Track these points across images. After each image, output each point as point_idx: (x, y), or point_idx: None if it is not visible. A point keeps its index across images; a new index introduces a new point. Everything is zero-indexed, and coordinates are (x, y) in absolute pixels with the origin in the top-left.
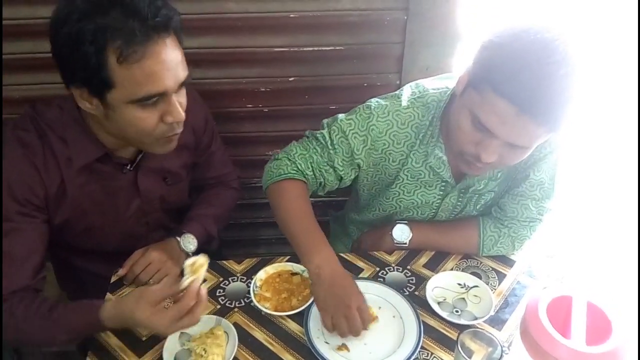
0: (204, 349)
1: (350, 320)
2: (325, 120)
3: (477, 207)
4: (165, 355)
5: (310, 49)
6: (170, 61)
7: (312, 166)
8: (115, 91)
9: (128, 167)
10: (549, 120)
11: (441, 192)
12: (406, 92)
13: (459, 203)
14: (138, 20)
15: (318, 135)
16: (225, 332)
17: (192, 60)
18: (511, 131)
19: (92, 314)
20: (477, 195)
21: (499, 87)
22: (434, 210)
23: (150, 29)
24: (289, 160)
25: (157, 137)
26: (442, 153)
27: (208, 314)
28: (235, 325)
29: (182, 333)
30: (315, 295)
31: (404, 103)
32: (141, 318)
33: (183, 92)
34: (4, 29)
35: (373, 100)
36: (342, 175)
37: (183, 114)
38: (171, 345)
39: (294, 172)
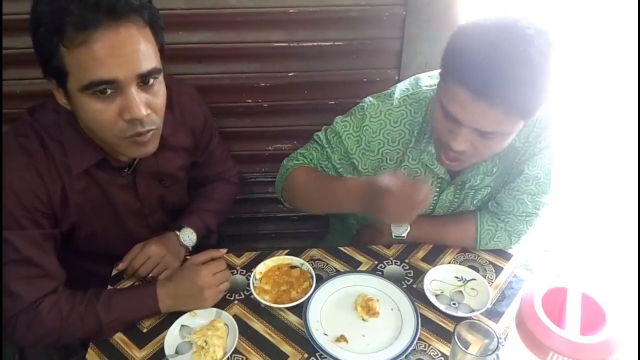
0: (205, 341)
1: (411, 205)
2: (324, 127)
3: (474, 203)
4: (166, 349)
5: (310, 44)
6: (122, 48)
7: (313, 163)
8: (69, 79)
9: (126, 171)
10: (505, 102)
11: (437, 189)
12: (399, 90)
13: (456, 199)
14: (91, 3)
15: (315, 137)
16: (225, 324)
17: (192, 55)
18: (472, 117)
19: (149, 295)
20: (473, 191)
21: (456, 74)
22: (430, 207)
23: (103, 12)
24: (292, 160)
25: (119, 135)
26: (435, 149)
27: None
28: (235, 317)
29: (182, 326)
30: (382, 213)
31: (396, 102)
32: (205, 281)
33: (154, 90)
34: (6, 23)
35: (367, 100)
36: (341, 173)
37: (143, 111)
38: (172, 338)
39: (299, 164)
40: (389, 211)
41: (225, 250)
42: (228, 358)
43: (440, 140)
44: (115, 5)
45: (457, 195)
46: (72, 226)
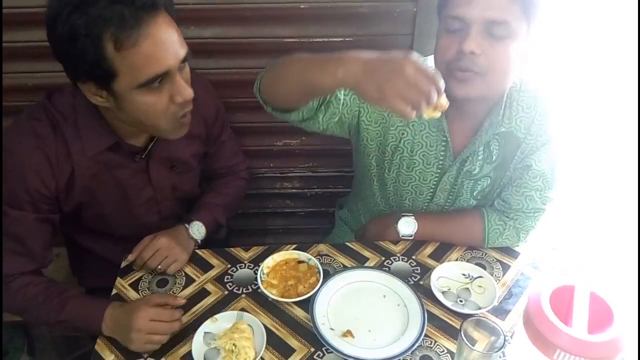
0: (234, 344)
1: (411, 84)
2: None
3: (474, 194)
4: (195, 357)
5: (320, 40)
6: (166, 40)
7: None
8: (120, 79)
9: (139, 156)
10: None
11: (439, 170)
12: None
13: (456, 184)
14: (125, 3)
15: None
16: (249, 325)
17: (203, 50)
18: (479, 5)
19: (98, 311)
20: (473, 181)
21: None
22: (431, 191)
23: (139, 10)
24: None
25: (170, 119)
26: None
27: (216, 299)
28: (243, 310)
29: (205, 333)
30: (364, 92)
31: None
32: (138, 322)
33: (186, 69)
34: (16, 17)
35: None
36: (343, 100)
37: (191, 91)
38: (198, 347)
39: None
40: (392, 89)
41: (183, 301)
42: (262, 358)
43: (447, 61)
44: (154, 1)
45: (457, 179)
46: (78, 206)
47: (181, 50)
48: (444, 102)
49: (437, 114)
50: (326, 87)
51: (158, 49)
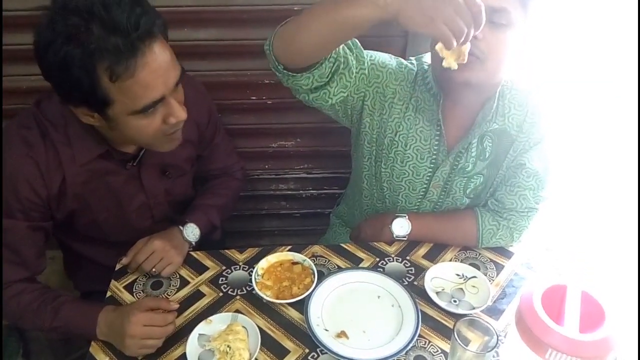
0: (228, 346)
1: (459, 11)
2: None
3: (467, 192)
4: (189, 358)
5: None
6: (161, 67)
7: None
8: (114, 106)
9: (131, 163)
10: None
11: (432, 165)
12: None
13: (449, 179)
14: (120, 35)
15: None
16: (243, 327)
17: (198, 52)
18: None
19: (92, 315)
20: (466, 178)
21: None
22: (425, 186)
23: (135, 40)
24: None
25: (160, 137)
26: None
27: (210, 300)
28: (237, 312)
29: (200, 335)
30: (410, 17)
31: (414, 73)
32: (131, 328)
33: (179, 88)
34: (12, 20)
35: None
36: (363, 62)
37: (184, 112)
38: (192, 349)
39: None
40: (440, 14)
41: (177, 306)
42: (256, 359)
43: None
44: (151, 30)
45: (450, 175)
46: (70, 213)
47: (174, 74)
48: (466, 50)
49: (455, 65)
50: (363, 19)
51: (154, 76)
